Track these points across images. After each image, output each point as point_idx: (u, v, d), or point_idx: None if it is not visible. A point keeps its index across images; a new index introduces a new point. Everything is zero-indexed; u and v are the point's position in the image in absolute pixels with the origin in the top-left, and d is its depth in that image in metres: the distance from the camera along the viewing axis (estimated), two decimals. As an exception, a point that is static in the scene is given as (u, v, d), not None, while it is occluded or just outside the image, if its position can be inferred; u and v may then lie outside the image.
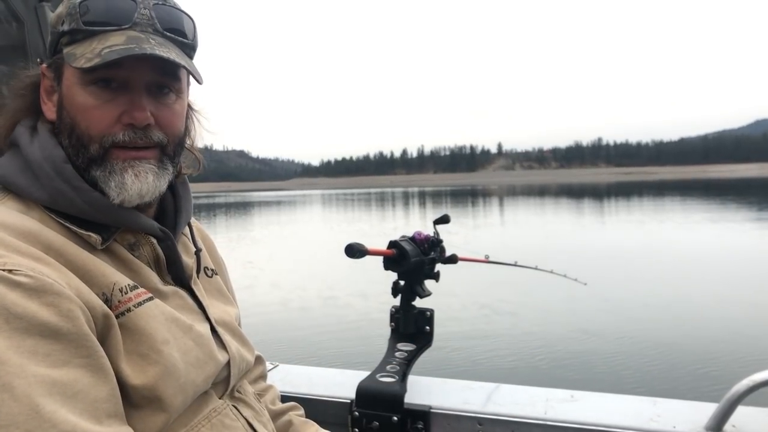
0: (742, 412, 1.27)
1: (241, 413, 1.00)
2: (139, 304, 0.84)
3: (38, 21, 1.47)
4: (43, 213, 0.84)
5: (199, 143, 1.05)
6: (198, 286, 1.01)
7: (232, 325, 1.06)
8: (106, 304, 0.80)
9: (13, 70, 0.98)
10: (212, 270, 1.11)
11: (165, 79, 0.89)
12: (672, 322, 7.77)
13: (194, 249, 1.06)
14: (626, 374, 5.92)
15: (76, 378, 0.71)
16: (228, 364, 0.99)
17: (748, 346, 6.62)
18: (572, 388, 1.56)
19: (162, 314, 0.87)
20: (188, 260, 1.00)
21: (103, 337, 0.78)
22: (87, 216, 0.85)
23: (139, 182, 0.87)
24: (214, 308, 1.03)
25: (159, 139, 0.89)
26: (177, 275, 0.96)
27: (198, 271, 1.04)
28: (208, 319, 0.99)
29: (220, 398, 0.98)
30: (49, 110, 0.90)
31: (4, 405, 0.64)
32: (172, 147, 0.92)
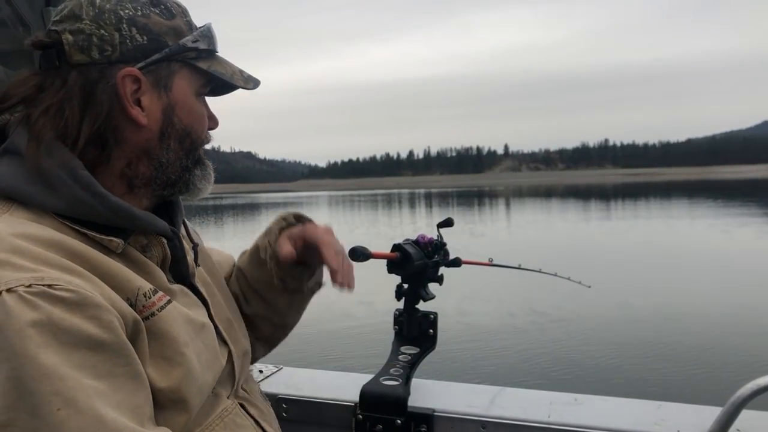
0: (746, 416, 1.26)
1: (248, 412, 1.03)
2: (162, 308, 0.86)
3: (45, 25, 1.48)
4: (56, 221, 0.84)
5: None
6: (200, 283, 1.04)
7: (229, 318, 1.08)
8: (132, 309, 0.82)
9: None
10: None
11: None
12: (676, 325, 7.76)
13: (191, 244, 1.07)
14: (630, 378, 5.91)
15: (118, 387, 0.73)
16: (230, 360, 1.02)
17: (753, 349, 6.59)
18: (576, 392, 1.56)
19: (180, 316, 0.89)
20: (188, 256, 1.02)
21: (132, 342, 0.80)
22: (107, 221, 0.86)
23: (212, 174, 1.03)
24: (213, 300, 1.05)
25: None
26: (179, 272, 0.98)
27: (195, 264, 1.06)
28: (210, 314, 1.01)
29: (227, 396, 1.01)
30: (140, 115, 0.90)
31: (71, 420, 0.67)
32: None
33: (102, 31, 0.87)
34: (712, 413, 1.31)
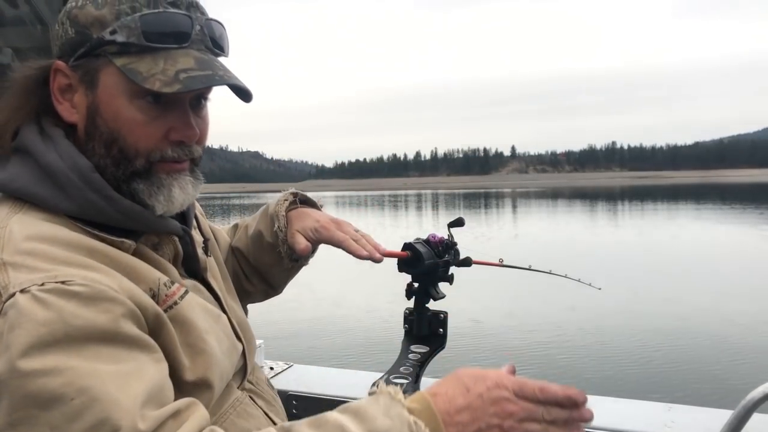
0: (757, 419, 1.26)
1: (256, 403, 1.04)
2: (182, 297, 0.88)
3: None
4: (69, 222, 0.83)
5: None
6: (213, 279, 1.04)
7: (240, 312, 1.10)
8: (154, 300, 0.83)
9: None
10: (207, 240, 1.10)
11: (206, 92, 0.91)
12: (687, 327, 7.71)
13: (203, 238, 1.07)
14: (641, 380, 5.89)
15: (129, 373, 0.73)
16: (242, 354, 1.03)
17: (765, 352, 6.55)
18: (586, 393, 1.55)
19: (198, 305, 0.91)
20: (199, 252, 1.02)
21: (157, 334, 0.81)
22: (118, 224, 0.86)
23: (184, 194, 0.90)
24: (225, 295, 1.06)
25: (199, 154, 0.92)
26: (191, 268, 0.99)
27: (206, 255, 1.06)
28: (223, 309, 1.02)
29: (238, 387, 1.02)
30: (67, 111, 0.88)
31: (87, 407, 0.68)
32: (200, 157, 0.94)
33: (57, 27, 0.89)
34: (722, 416, 1.31)
